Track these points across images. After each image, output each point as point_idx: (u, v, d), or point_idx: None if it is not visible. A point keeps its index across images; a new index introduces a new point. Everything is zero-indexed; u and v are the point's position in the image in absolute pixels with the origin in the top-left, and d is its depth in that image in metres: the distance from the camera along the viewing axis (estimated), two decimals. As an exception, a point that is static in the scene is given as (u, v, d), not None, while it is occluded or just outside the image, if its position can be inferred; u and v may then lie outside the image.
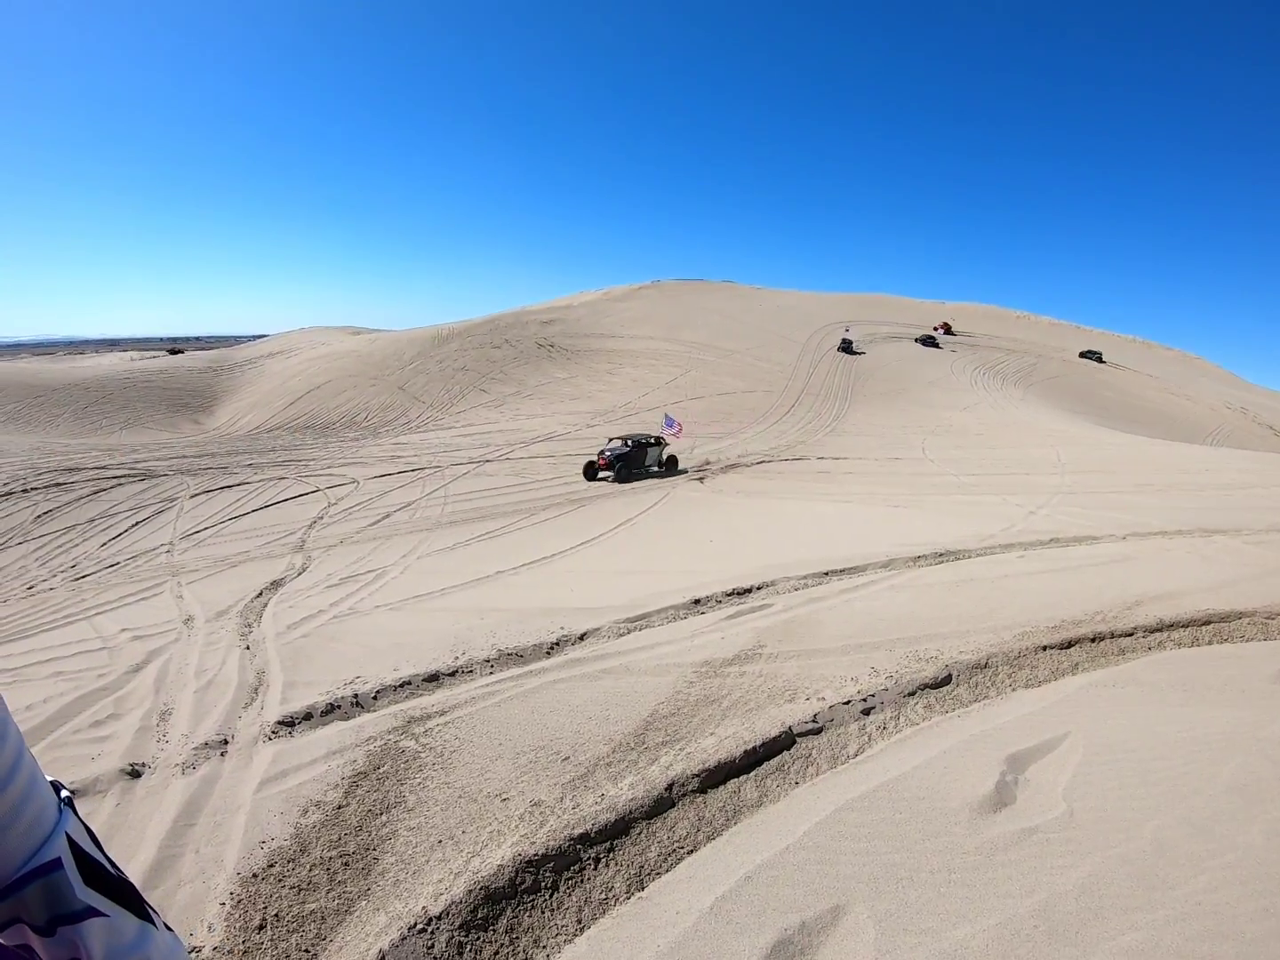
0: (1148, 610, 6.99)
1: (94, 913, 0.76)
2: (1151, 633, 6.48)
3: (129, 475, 26.29)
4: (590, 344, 52.36)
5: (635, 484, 23.21)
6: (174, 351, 78.85)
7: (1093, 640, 6.26)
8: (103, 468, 27.26)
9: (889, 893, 2.98)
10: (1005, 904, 2.87)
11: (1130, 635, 6.40)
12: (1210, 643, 6.36)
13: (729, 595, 8.25)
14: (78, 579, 15.94)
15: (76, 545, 19.41)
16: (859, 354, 51.42)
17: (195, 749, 4.90)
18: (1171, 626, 6.60)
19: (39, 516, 21.69)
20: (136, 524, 21.09)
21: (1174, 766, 3.87)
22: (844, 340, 53.73)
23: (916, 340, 60.43)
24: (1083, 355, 63.88)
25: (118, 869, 0.83)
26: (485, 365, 48.88)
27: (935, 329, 66.81)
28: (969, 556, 9.92)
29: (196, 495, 23.84)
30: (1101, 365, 62.01)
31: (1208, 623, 6.71)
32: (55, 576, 16.59)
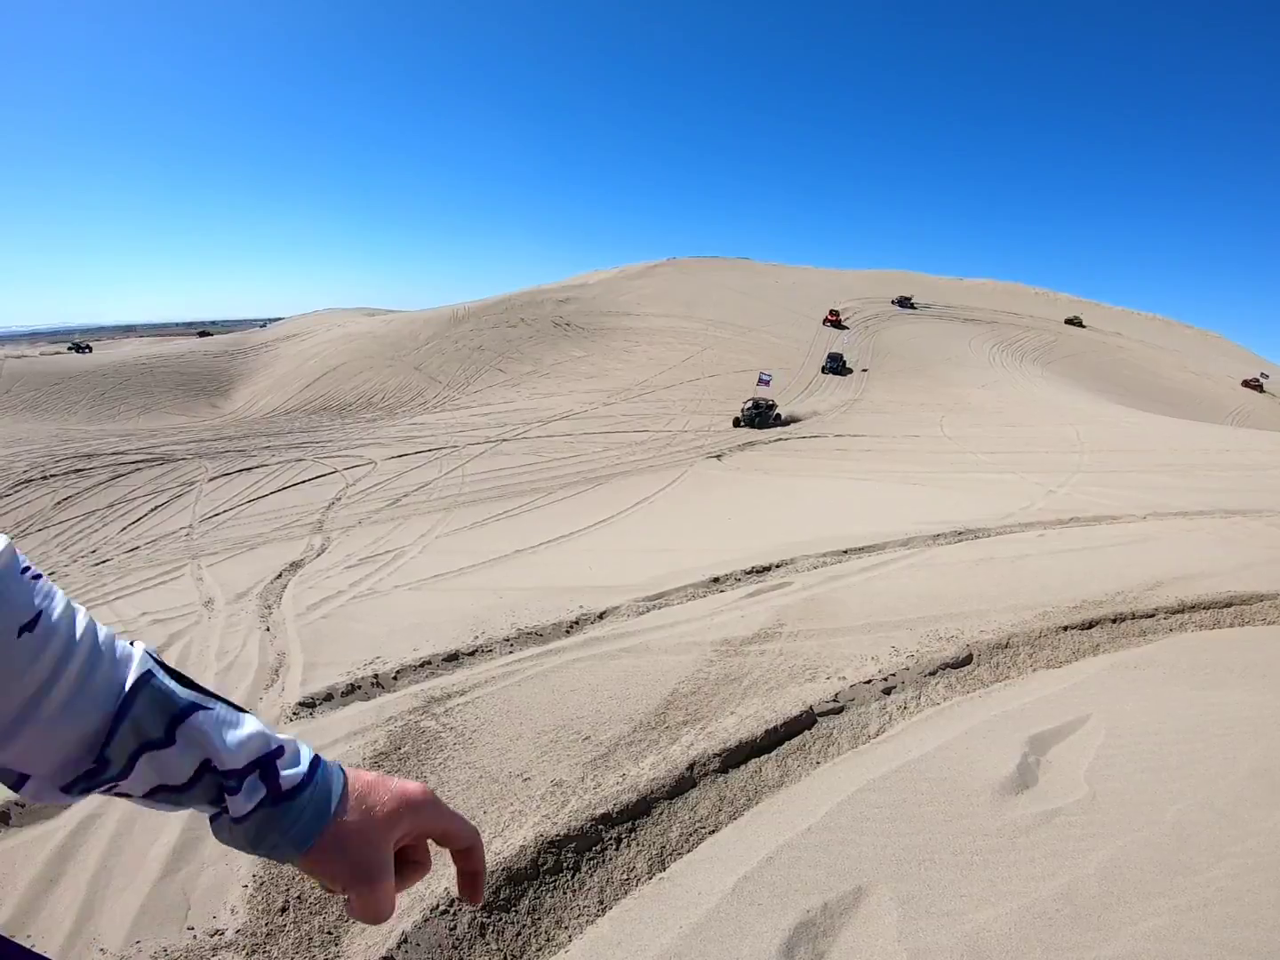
0: (1169, 591, 6.92)
1: (198, 706, 0.77)
2: (1172, 614, 6.42)
3: (147, 460, 26.54)
4: (606, 322, 52.20)
5: (653, 463, 23.19)
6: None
7: (1114, 621, 6.21)
8: (121, 453, 27.51)
9: (911, 874, 2.98)
10: (1028, 886, 2.86)
11: (1151, 616, 6.35)
12: (1231, 625, 6.29)
13: (748, 573, 8.24)
14: (98, 564, 16.14)
15: (96, 530, 19.64)
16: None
17: (219, 730, 4.95)
18: (1193, 608, 6.54)
19: (59, 503, 21.96)
20: (155, 508, 21.32)
21: (1196, 750, 3.84)
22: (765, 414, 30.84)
23: (824, 370, 42.46)
24: (895, 302, 65.70)
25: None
26: (501, 344, 48.87)
27: (827, 320, 54.22)
28: (988, 535, 9.86)
29: (215, 478, 24.05)
30: (908, 312, 63.46)
31: (1229, 605, 6.64)
32: (75, 562, 16.81)
